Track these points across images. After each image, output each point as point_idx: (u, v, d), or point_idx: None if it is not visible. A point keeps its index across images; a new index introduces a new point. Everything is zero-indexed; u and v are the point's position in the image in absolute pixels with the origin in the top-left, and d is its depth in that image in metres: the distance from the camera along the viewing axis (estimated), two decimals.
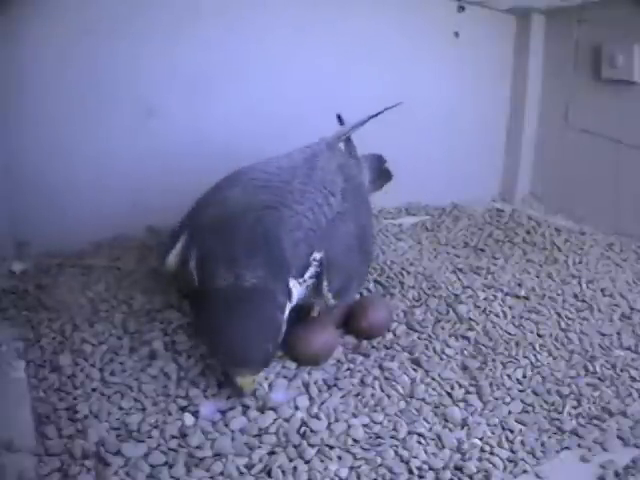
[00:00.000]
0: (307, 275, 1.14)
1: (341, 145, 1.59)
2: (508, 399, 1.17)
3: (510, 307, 1.50)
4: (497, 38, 2.22)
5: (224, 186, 1.27)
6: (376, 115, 1.59)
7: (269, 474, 0.96)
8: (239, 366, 1.05)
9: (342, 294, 1.19)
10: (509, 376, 1.23)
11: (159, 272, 1.53)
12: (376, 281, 1.59)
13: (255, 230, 1.12)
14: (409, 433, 1.06)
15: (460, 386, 1.19)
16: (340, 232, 1.22)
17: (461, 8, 2.13)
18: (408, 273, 1.63)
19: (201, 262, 1.14)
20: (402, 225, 2.07)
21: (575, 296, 1.57)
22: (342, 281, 1.18)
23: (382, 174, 1.61)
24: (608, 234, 1.99)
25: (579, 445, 1.07)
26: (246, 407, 1.09)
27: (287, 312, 1.12)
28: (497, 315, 1.45)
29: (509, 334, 1.38)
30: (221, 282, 1.07)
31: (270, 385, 1.15)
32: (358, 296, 1.47)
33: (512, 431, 1.08)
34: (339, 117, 1.68)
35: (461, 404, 1.15)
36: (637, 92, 1.89)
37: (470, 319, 1.42)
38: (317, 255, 1.15)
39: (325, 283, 1.15)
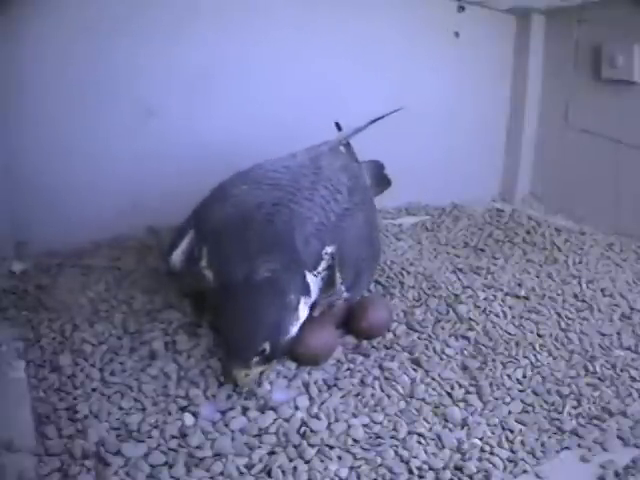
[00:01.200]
0: (320, 268, 1.15)
1: (342, 149, 1.59)
2: (508, 399, 1.17)
3: (510, 307, 1.50)
4: (497, 38, 2.22)
5: (230, 185, 1.28)
6: (376, 120, 1.60)
7: (269, 474, 0.96)
8: (231, 358, 1.07)
9: (354, 287, 1.20)
10: (509, 376, 1.23)
11: (160, 270, 1.54)
12: (376, 281, 1.59)
13: (268, 227, 1.13)
14: (409, 433, 1.06)
15: (460, 386, 1.19)
16: (349, 227, 1.23)
17: (461, 8, 2.13)
18: (408, 273, 1.63)
19: (216, 260, 1.15)
20: (402, 225, 2.07)
21: (575, 296, 1.57)
22: (354, 274, 1.19)
23: (381, 180, 1.63)
24: (608, 234, 1.99)
25: (579, 445, 1.07)
26: (246, 407, 1.09)
27: (304, 309, 1.11)
28: (497, 315, 1.45)
29: (509, 334, 1.38)
30: (235, 276, 1.08)
31: (270, 385, 1.15)
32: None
33: (512, 431, 1.08)
34: (337, 125, 1.69)
35: (461, 404, 1.15)
36: (637, 92, 1.89)
37: (470, 319, 1.42)
38: (329, 249, 1.16)
39: (338, 275, 1.15)
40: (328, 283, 1.17)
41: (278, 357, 1.13)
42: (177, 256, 1.24)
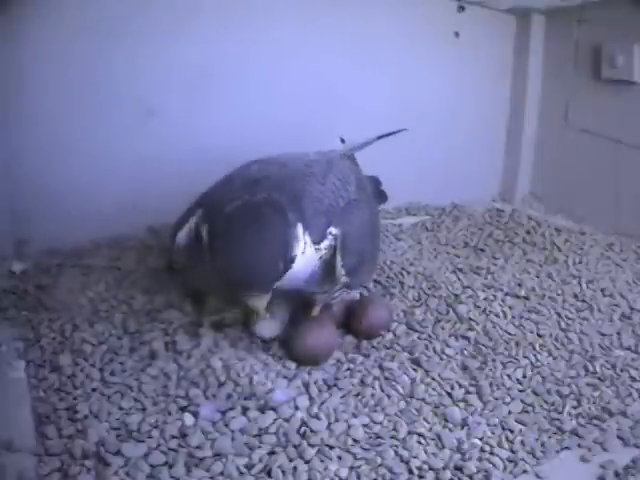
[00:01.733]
0: (323, 245, 1.13)
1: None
2: (508, 399, 1.17)
3: (510, 307, 1.50)
4: (497, 38, 2.22)
5: (238, 170, 1.27)
6: (383, 137, 1.62)
7: (269, 474, 0.96)
8: (248, 289, 1.03)
9: (354, 274, 1.18)
10: (509, 376, 1.23)
11: (160, 267, 1.54)
12: (376, 281, 1.59)
13: (277, 193, 1.11)
14: (409, 433, 1.06)
15: (460, 386, 1.19)
16: (355, 216, 1.22)
17: (461, 8, 2.13)
18: (408, 273, 1.63)
19: (214, 223, 1.11)
20: (402, 225, 2.07)
21: (575, 296, 1.57)
22: (355, 260, 1.18)
23: (378, 195, 1.64)
24: (608, 234, 1.99)
25: (579, 445, 1.07)
26: (246, 407, 1.09)
27: (301, 245, 1.08)
28: (497, 315, 1.46)
29: (509, 334, 1.38)
30: (229, 207, 1.07)
31: (270, 385, 1.15)
32: (358, 296, 1.47)
33: (512, 431, 1.08)
34: (342, 140, 1.71)
35: (461, 404, 1.15)
36: (637, 92, 1.88)
37: (470, 319, 1.42)
38: (334, 230, 1.15)
39: (339, 258, 1.15)
40: (328, 266, 1.16)
41: (285, 275, 1.06)
42: (183, 235, 1.22)
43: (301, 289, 1.21)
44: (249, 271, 1.01)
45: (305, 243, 1.09)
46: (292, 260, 1.06)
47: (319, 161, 1.33)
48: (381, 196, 1.60)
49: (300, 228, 1.08)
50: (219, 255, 1.05)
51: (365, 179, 1.47)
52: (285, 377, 1.18)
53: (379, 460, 1.00)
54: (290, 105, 1.88)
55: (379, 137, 1.62)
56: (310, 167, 1.26)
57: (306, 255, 1.10)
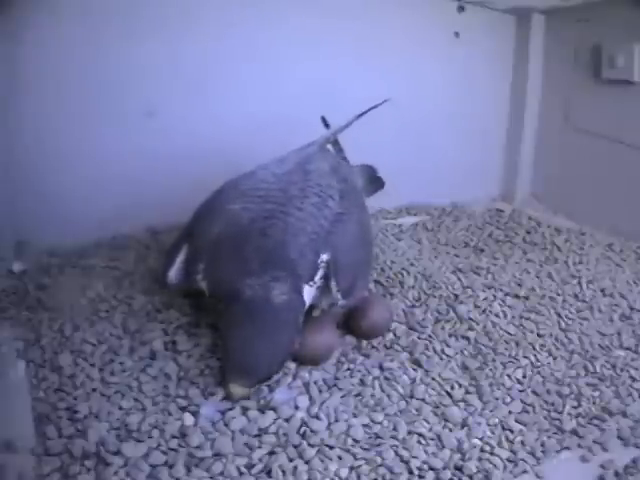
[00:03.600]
0: (317, 278, 1.15)
1: (330, 147, 1.59)
2: (508, 399, 1.17)
3: (510, 307, 1.50)
4: (497, 38, 2.22)
5: (223, 199, 1.26)
6: (363, 114, 1.58)
7: (269, 474, 0.96)
8: (236, 376, 1.05)
9: (350, 292, 1.19)
10: (509, 376, 1.23)
11: (158, 278, 1.54)
12: (376, 281, 1.59)
13: (263, 241, 1.13)
14: (409, 433, 1.06)
15: (460, 386, 1.19)
16: (342, 232, 1.22)
17: (461, 8, 2.13)
18: (408, 273, 1.63)
19: (209, 274, 1.15)
20: (402, 225, 2.07)
21: (575, 296, 1.57)
22: (349, 279, 1.19)
23: (374, 181, 1.63)
24: (608, 234, 1.99)
25: (579, 445, 1.07)
26: (246, 407, 1.09)
27: (301, 320, 1.12)
28: (497, 315, 1.45)
29: (509, 334, 1.38)
30: (233, 297, 1.08)
31: (270, 385, 1.15)
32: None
33: (512, 431, 1.08)
34: (324, 119, 1.68)
35: (461, 404, 1.14)
36: (637, 92, 1.89)
37: (470, 319, 1.42)
38: (324, 257, 1.16)
39: (334, 283, 1.16)
40: (324, 291, 1.17)
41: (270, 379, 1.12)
42: (173, 273, 1.24)
43: None
44: (244, 366, 1.05)
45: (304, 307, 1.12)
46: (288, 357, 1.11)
47: (295, 173, 1.31)
48: (378, 182, 1.59)
49: (300, 316, 1.11)
50: (228, 341, 1.08)
51: (349, 170, 1.45)
52: (285, 377, 1.18)
53: (379, 460, 0.99)
54: (289, 105, 1.89)
55: (359, 115, 1.59)
56: (287, 191, 1.24)
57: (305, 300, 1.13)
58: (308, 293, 1.14)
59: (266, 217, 1.17)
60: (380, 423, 1.08)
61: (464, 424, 1.09)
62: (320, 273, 1.16)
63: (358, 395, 1.15)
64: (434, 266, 1.71)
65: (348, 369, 1.23)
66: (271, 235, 1.14)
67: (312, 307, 1.28)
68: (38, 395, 1.10)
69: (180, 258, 1.23)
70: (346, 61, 1.96)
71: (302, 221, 1.18)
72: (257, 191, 1.25)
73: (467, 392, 1.18)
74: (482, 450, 1.03)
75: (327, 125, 1.69)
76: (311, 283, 1.14)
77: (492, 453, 1.03)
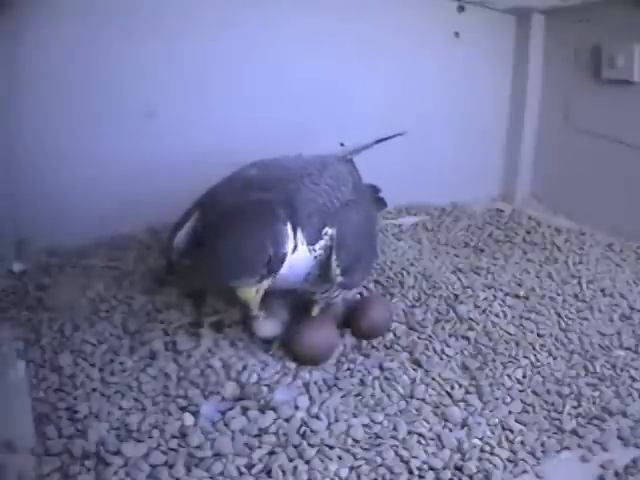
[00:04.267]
0: (318, 246, 1.14)
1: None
2: (508, 399, 1.17)
3: (510, 307, 1.50)
4: (497, 38, 2.22)
5: (237, 173, 1.29)
6: (381, 141, 1.62)
7: (269, 474, 0.96)
8: (237, 275, 1.03)
9: (349, 274, 1.18)
10: (509, 376, 1.23)
11: (160, 265, 1.54)
12: (376, 281, 1.59)
13: (270, 194, 1.13)
14: (409, 433, 1.06)
15: (460, 386, 1.19)
16: (350, 216, 1.23)
17: (461, 8, 2.13)
18: (408, 273, 1.63)
19: (210, 221, 1.14)
20: (402, 225, 2.07)
21: (575, 296, 1.57)
22: (350, 260, 1.18)
23: (376, 202, 1.64)
24: (608, 234, 1.99)
25: (579, 445, 1.07)
26: (246, 407, 1.09)
27: (291, 237, 1.09)
28: (497, 315, 1.46)
29: (509, 334, 1.38)
30: (223, 206, 1.10)
31: (270, 385, 1.15)
32: (358, 296, 1.47)
33: (512, 431, 1.08)
34: (342, 144, 1.72)
35: (461, 404, 1.15)
36: (637, 92, 1.88)
37: (470, 319, 1.42)
38: (329, 230, 1.16)
39: (334, 257, 1.15)
40: (324, 266, 1.16)
41: (276, 271, 1.07)
42: (181, 237, 1.23)
43: (299, 289, 1.22)
44: (236, 259, 1.03)
45: (297, 243, 1.10)
46: (281, 256, 1.07)
47: (314, 162, 1.34)
48: (380, 203, 1.60)
49: (290, 227, 1.09)
50: (212, 249, 1.07)
51: (363, 184, 1.47)
52: (285, 375, 1.18)
53: (379, 460, 1.00)
54: (290, 106, 1.88)
55: (377, 141, 1.63)
56: (305, 169, 1.27)
57: (299, 255, 1.11)
58: (306, 256, 1.12)
59: (282, 179, 1.19)
60: (380, 423, 1.08)
61: (464, 424, 1.09)
62: (322, 243, 1.15)
63: (358, 395, 1.15)
64: (434, 266, 1.71)
65: (348, 369, 1.23)
66: (282, 191, 1.14)
67: (311, 302, 1.28)
68: (38, 395, 1.11)
69: (190, 223, 1.23)
70: (346, 61, 1.96)
71: (315, 193, 1.19)
72: (275, 165, 1.29)
73: (467, 392, 1.18)
74: (482, 450, 1.03)
75: (343, 145, 1.72)
76: (311, 248, 1.13)
77: (492, 453, 1.03)
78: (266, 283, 1.06)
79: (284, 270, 1.08)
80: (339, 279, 1.17)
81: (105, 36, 1.63)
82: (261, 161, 1.32)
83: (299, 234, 1.11)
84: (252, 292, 1.05)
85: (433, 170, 2.17)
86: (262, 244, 1.04)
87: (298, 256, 1.11)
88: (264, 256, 1.03)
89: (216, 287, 1.37)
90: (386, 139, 1.65)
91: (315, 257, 1.14)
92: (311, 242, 1.13)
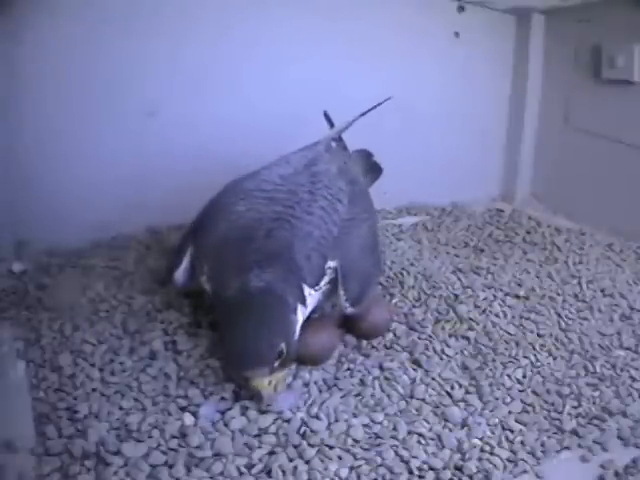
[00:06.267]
0: (322, 283, 1.14)
1: (334, 144, 1.58)
2: (508, 399, 1.17)
3: (510, 307, 1.50)
4: (497, 38, 2.23)
5: (228, 200, 1.25)
6: (366, 112, 1.58)
7: (269, 474, 0.96)
8: (249, 367, 1.02)
9: (359, 301, 1.18)
10: (509, 376, 1.23)
11: (161, 278, 1.54)
12: None
13: (267, 241, 1.11)
14: (409, 433, 1.06)
15: (460, 386, 1.19)
16: (351, 239, 1.21)
17: (461, 8, 2.13)
18: (408, 273, 1.63)
19: (213, 275, 1.14)
20: (402, 225, 2.07)
21: (575, 296, 1.57)
22: (358, 288, 1.18)
23: (372, 168, 1.60)
24: (608, 234, 1.99)
25: (579, 445, 1.07)
26: (246, 407, 1.09)
27: (301, 316, 1.10)
28: (497, 315, 1.45)
29: (509, 334, 1.38)
30: (229, 291, 1.07)
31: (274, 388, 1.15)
32: None
33: (512, 431, 1.08)
34: (326, 115, 1.66)
35: (461, 404, 1.14)
36: (637, 92, 1.88)
37: (470, 319, 1.42)
38: (331, 263, 1.15)
39: (342, 292, 1.15)
40: (331, 296, 1.16)
41: (291, 358, 1.08)
42: (180, 274, 1.24)
43: None
44: (250, 349, 1.01)
45: (302, 312, 1.10)
46: (294, 344, 1.07)
47: (303, 175, 1.29)
48: (375, 168, 1.57)
49: (299, 308, 1.08)
50: (223, 346, 1.07)
51: (354, 169, 1.43)
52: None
53: (379, 460, 0.99)
54: (290, 105, 1.89)
55: (362, 114, 1.58)
56: (295, 194, 1.22)
57: (307, 302, 1.11)
58: (310, 295, 1.12)
59: (273, 219, 1.15)
60: (380, 423, 1.08)
61: (464, 424, 1.09)
62: (326, 279, 1.14)
63: (358, 395, 1.15)
64: (434, 266, 1.71)
65: (348, 369, 1.23)
66: (277, 237, 1.12)
67: (315, 310, 1.28)
68: (38, 395, 1.10)
69: (186, 259, 1.23)
70: (347, 61, 1.96)
71: (310, 225, 1.16)
72: (263, 192, 1.23)
73: (467, 392, 1.18)
74: (482, 450, 1.03)
75: (329, 121, 1.68)
76: (316, 287, 1.13)
77: (492, 453, 1.03)
78: (280, 374, 1.06)
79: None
80: (349, 310, 1.17)
81: (105, 36, 1.63)
82: (248, 190, 1.25)
83: (305, 288, 1.10)
84: (265, 381, 1.03)
85: (433, 170, 2.17)
86: (276, 337, 1.03)
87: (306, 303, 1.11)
88: (278, 347, 1.02)
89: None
90: (372, 109, 1.59)
91: (322, 292, 1.15)
92: (315, 283, 1.12)
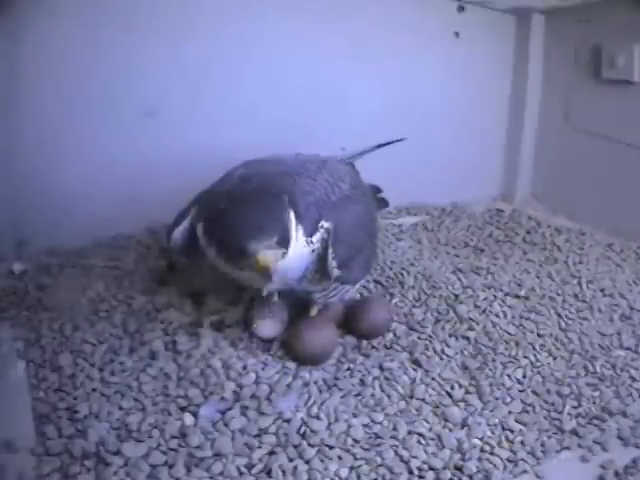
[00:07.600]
0: (315, 238, 1.13)
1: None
2: (508, 399, 1.17)
3: (510, 307, 1.50)
4: (497, 38, 2.22)
5: (234, 168, 1.30)
6: (382, 146, 1.65)
7: (269, 474, 0.96)
8: (254, 239, 1.01)
9: (347, 268, 1.17)
10: (509, 376, 1.23)
11: (160, 264, 1.54)
12: (376, 281, 1.59)
13: (269, 189, 1.13)
14: (409, 433, 1.06)
15: (460, 386, 1.20)
16: (347, 210, 1.23)
17: (461, 8, 2.13)
18: (408, 273, 1.63)
19: (210, 227, 1.13)
20: (402, 225, 2.07)
21: (575, 296, 1.57)
22: (347, 253, 1.17)
23: (378, 202, 1.64)
24: (608, 234, 1.99)
25: (579, 445, 1.07)
26: (246, 407, 1.09)
27: (293, 229, 1.08)
28: (497, 315, 1.46)
29: (509, 334, 1.38)
30: (229, 194, 1.11)
31: (272, 389, 1.15)
32: (358, 296, 1.47)
33: (512, 431, 1.08)
34: (343, 148, 1.74)
35: (461, 404, 1.15)
36: (637, 92, 1.88)
37: (470, 319, 1.42)
38: (324, 223, 1.15)
39: (331, 250, 1.14)
40: (322, 261, 1.15)
41: (287, 245, 1.06)
42: (178, 233, 1.22)
43: (298, 288, 1.21)
44: (252, 223, 1.02)
45: (297, 234, 1.09)
46: (288, 239, 1.06)
47: (313, 160, 1.34)
48: (381, 202, 1.60)
49: (292, 214, 1.09)
50: (221, 229, 1.07)
51: (364, 184, 1.46)
52: (285, 377, 1.18)
53: (379, 460, 1.00)
54: (290, 106, 1.88)
55: (378, 146, 1.66)
56: (303, 165, 1.28)
57: (299, 247, 1.10)
58: (304, 249, 1.11)
59: (278, 174, 1.21)
60: (380, 423, 1.08)
61: (464, 424, 1.09)
62: (318, 236, 1.14)
63: (358, 395, 1.15)
64: (434, 266, 1.71)
65: (348, 369, 1.23)
66: (279, 186, 1.14)
67: (310, 302, 1.28)
68: (38, 395, 1.11)
69: (187, 220, 1.22)
70: (346, 61, 1.96)
71: (312, 187, 1.20)
72: (273, 161, 1.31)
73: (467, 392, 1.18)
74: (482, 450, 1.03)
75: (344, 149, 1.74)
76: (308, 240, 1.12)
77: (492, 453, 1.03)
78: (281, 254, 1.04)
79: (285, 262, 1.06)
80: (336, 272, 1.15)
81: (105, 36, 1.63)
82: (256, 160, 1.32)
83: (298, 228, 1.10)
84: (270, 258, 1.02)
85: (433, 170, 2.17)
86: (275, 215, 1.06)
87: (297, 247, 1.09)
88: (278, 224, 1.05)
89: (217, 287, 1.37)
90: (387, 144, 1.67)
91: (313, 250, 1.13)
92: (308, 234, 1.12)
